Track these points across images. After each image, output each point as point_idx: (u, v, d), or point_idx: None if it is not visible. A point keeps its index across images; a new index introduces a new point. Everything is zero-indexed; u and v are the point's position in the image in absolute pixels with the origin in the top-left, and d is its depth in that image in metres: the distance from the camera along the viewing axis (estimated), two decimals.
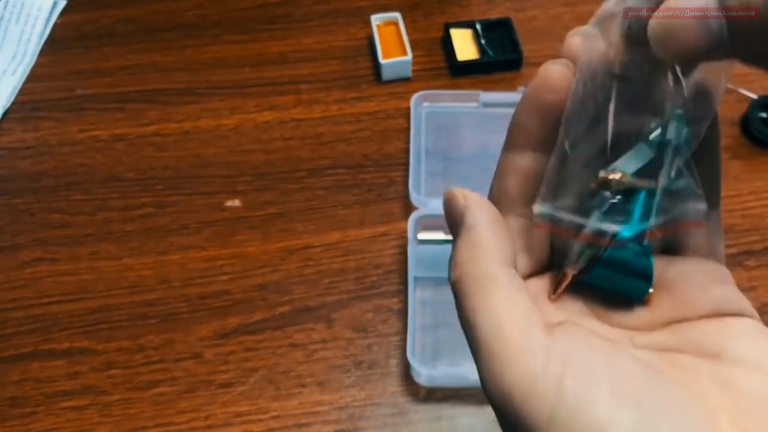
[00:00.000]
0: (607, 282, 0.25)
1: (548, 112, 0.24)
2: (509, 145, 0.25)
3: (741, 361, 0.22)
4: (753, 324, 0.23)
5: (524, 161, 0.25)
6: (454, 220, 0.25)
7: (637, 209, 0.24)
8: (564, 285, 0.25)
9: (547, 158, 0.25)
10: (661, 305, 0.24)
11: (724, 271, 0.25)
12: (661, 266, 0.25)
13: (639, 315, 0.25)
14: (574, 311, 0.25)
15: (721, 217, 0.26)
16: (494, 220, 0.24)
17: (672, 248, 0.26)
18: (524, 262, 0.26)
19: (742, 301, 0.24)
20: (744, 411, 0.20)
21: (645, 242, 0.24)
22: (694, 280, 0.24)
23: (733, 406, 0.21)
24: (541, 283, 0.26)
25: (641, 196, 0.24)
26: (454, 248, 0.24)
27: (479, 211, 0.24)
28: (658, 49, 0.21)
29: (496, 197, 0.26)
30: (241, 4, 0.70)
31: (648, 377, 0.20)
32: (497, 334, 0.21)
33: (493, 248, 0.23)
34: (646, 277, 0.24)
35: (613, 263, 0.24)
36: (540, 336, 0.21)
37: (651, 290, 0.24)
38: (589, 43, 0.25)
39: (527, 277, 0.25)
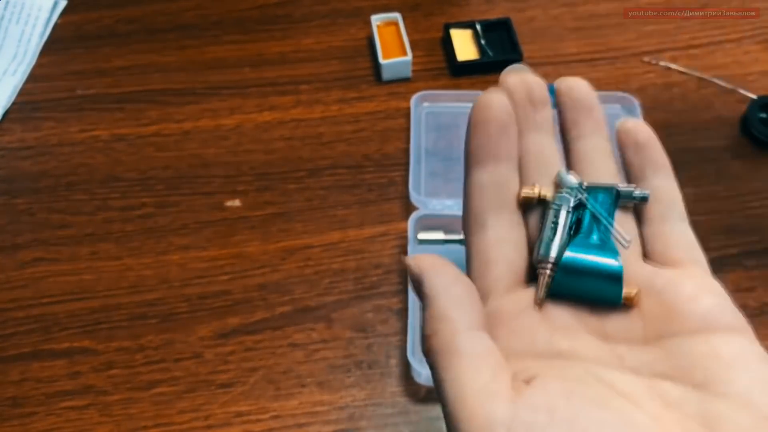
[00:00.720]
0: (575, 289, 0.25)
1: (497, 129, 0.26)
2: (468, 167, 0.27)
3: (730, 396, 0.21)
4: (744, 344, 0.23)
5: (484, 176, 0.26)
6: (416, 290, 0.25)
7: (586, 218, 0.25)
8: (543, 287, 0.25)
9: (507, 168, 0.26)
10: (651, 315, 0.24)
11: (713, 282, 0.25)
12: (648, 275, 0.25)
13: (630, 325, 0.24)
14: (562, 325, 0.24)
15: (692, 229, 0.27)
16: (452, 281, 0.24)
17: (653, 258, 0.26)
18: (507, 278, 0.26)
19: (734, 314, 0.24)
20: None
21: (600, 238, 0.25)
22: (683, 289, 0.24)
23: None
24: (528, 294, 0.25)
25: (586, 212, 0.26)
26: (422, 319, 0.24)
27: (434, 277, 0.24)
28: None
29: (469, 216, 0.27)
30: (241, 5, 0.70)
31: None
32: (462, 408, 0.21)
33: (453, 316, 0.23)
34: (614, 278, 0.24)
35: (575, 267, 0.25)
36: (502, 409, 0.21)
37: (628, 291, 0.24)
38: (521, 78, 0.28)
39: (511, 289, 0.25)
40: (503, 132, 0.26)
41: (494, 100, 0.27)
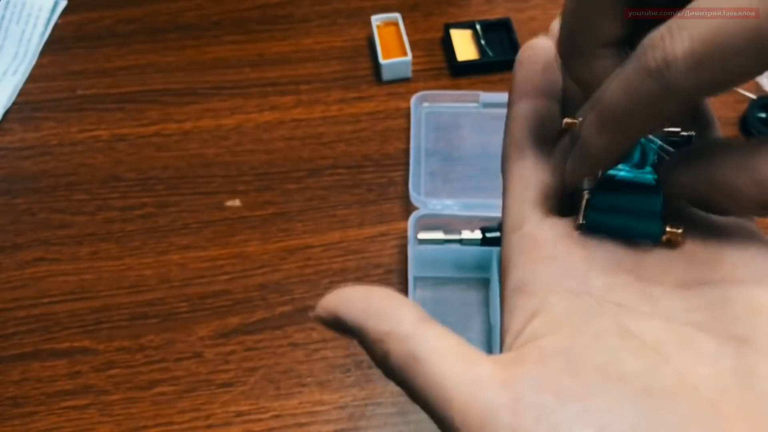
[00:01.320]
0: (610, 224, 0.23)
1: (542, 66, 0.26)
2: (513, 100, 0.26)
3: None
4: None
5: (528, 107, 0.26)
6: (341, 331, 0.23)
7: (636, 153, 0.24)
8: (584, 208, 0.23)
9: (550, 103, 0.26)
10: (694, 258, 0.22)
11: (759, 233, 0.23)
12: (694, 216, 0.23)
13: (670, 267, 0.22)
14: (599, 257, 0.23)
15: None
16: (364, 296, 0.22)
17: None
18: (545, 204, 0.24)
19: None
20: (763, 418, 0.19)
21: (648, 175, 0.23)
22: (732, 236, 0.22)
23: (751, 413, 0.19)
24: (566, 223, 0.24)
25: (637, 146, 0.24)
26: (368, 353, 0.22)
27: (347, 304, 0.22)
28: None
29: (509, 145, 0.26)
30: (241, 5, 0.70)
31: (637, 407, 0.19)
32: (451, 408, 0.20)
33: (390, 327, 0.21)
34: (652, 214, 0.23)
35: (610, 201, 0.23)
36: (498, 395, 0.19)
37: (670, 229, 0.22)
38: None
39: (549, 216, 0.24)
40: (548, 69, 0.26)
41: (541, 42, 0.26)
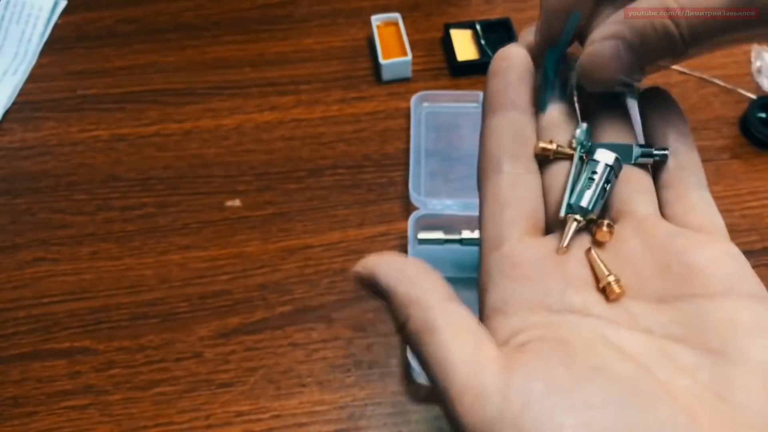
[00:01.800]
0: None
1: (515, 76, 0.26)
2: (486, 112, 0.27)
3: (746, 364, 0.20)
4: (764, 312, 0.22)
5: (501, 121, 0.26)
6: (373, 291, 0.24)
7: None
8: (569, 235, 0.24)
9: (525, 116, 0.26)
10: (669, 274, 0.23)
11: (734, 247, 0.24)
12: (668, 232, 0.24)
13: (647, 283, 0.23)
14: (576, 277, 0.23)
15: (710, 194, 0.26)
16: (403, 265, 0.24)
17: (672, 222, 0.25)
18: (522, 223, 0.25)
19: (755, 281, 0.23)
20: (737, 427, 0.19)
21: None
22: (704, 252, 0.23)
23: (727, 422, 0.19)
24: (544, 243, 0.24)
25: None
26: (391, 318, 0.23)
27: (385, 267, 0.24)
28: (584, 81, 0.25)
29: (484, 160, 0.26)
30: (241, 5, 0.71)
31: (621, 406, 0.19)
32: (451, 383, 0.21)
33: (419, 294, 0.23)
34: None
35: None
36: (493, 378, 0.20)
37: (600, 223, 0.24)
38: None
39: (527, 236, 0.25)
40: (521, 80, 0.26)
41: (514, 51, 0.26)
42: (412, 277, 0.23)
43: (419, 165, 0.59)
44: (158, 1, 0.71)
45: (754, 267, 0.24)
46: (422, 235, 0.53)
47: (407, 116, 0.62)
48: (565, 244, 0.24)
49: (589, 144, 0.26)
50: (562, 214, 0.25)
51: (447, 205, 0.55)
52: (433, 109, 0.62)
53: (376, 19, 0.66)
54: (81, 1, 0.71)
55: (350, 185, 0.59)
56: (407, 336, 0.22)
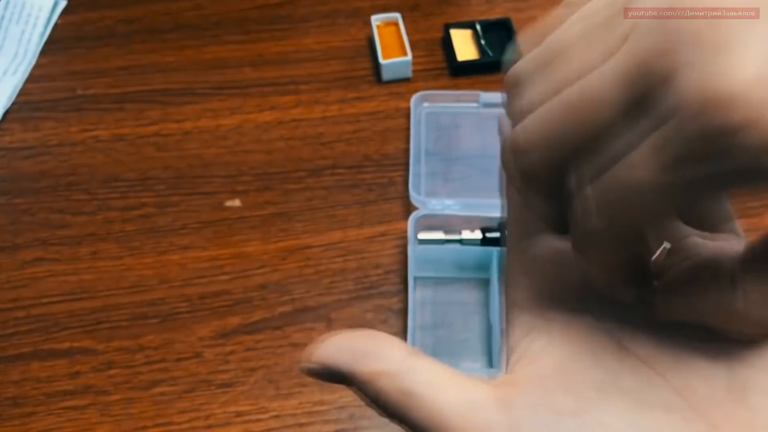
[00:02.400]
0: None
1: None
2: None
3: (764, 365, 0.20)
4: None
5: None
6: (334, 380, 0.22)
7: None
8: None
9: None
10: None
11: (740, 235, 0.23)
12: (686, 237, 0.23)
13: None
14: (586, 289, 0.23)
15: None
16: (349, 340, 0.22)
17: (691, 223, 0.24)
18: (544, 223, 0.23)
19: None
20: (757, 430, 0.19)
21: None
22: (724, 251, 0.22)
23: (746, 426, 0.19)
24: (566, 241, 0.23)
25: None
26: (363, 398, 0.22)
27: (334, 353, 0.22)
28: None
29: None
30: (241, 5, 0.70)
31: (635, 422, 0.19)
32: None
33: (380, 366, 0.21)
34: None
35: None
36: (496, 417, 0.19)
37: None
38: None
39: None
40: None
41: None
42: (366, 350, 0.22)
43: (419, 165, 0.59)
44: (158, 1, 0.71)
45: None
46: (422, 235, 0.53)
47: (407, 116, 0.62)
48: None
49: None
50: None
51: (447, 205, 0.55)
52: (433, 109, 0.62)
53: (376, 19, 0.66)
54: (81, 1, 0.71)
55: (350, 185, 0.59)
56: (385, 410, 0.21)
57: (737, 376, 0.20)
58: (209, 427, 0.48)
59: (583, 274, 0.23)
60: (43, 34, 0.68)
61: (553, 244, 0.24)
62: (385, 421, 0.21)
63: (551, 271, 0.23)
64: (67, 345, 0.52)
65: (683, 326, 0.21)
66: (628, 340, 0.21)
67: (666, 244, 0.23)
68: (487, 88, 0.63)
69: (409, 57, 0.63)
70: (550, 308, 0.22)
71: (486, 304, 0.53)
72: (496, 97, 0.61)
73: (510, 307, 0.24)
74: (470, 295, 0.54)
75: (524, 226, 0.24)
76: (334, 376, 0.22)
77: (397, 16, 0.66)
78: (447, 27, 0.67)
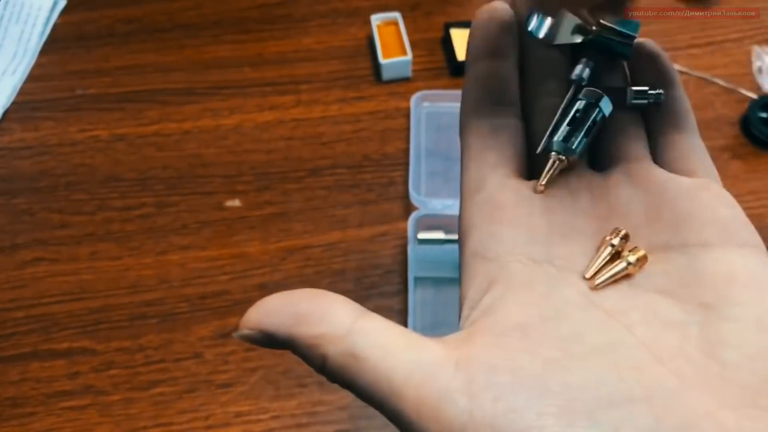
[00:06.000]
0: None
1: (498, 27, 0.25)
2: (469, 61, 0.26)
3: (740, 320, 0.19)
4: (760, 264, 0.20)
5: (483, 69, 0.25)
6: (271, 345, 0.21)
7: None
8: (548, 173, 0.23)
9: (507, 63, 0.25)
10: (660, 221, 0.22)
11: (727, 194, 0.23)
12: (660, 179, 0.23)
13: (635, 231, 0.22)
14: (561, 221, 0.22)
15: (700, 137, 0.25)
16: (286, 303, 0.21)
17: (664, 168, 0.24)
18: (505, 166, 0.23)
19: (750, 229, 0.21)
20: (729, 389, 0.18)
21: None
22: (698, 197, 0.22)
23: (717, 383, 0.18)
24: (527, 186, 0.23)
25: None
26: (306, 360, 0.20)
27: (271, 316, 0.21)
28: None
29: (466, 107, 0.25)
30: (241, 4, 0.70)
31: (602, 380, 0.18)
32: (403, 399, 0.18)
33: (323, 329, 0.19)
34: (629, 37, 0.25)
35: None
36: (451, 378, 0.18)
37: (633, 254, 0.22)
38: None
39: (509, 178, 0.23)
40: (505, 30, 0.25)
41: (498, 4, 0.26)
42: (308, 312, 0.20)
43: (419, 165, 0.59)
44: (157, 0, 0.71)
45: None
46: (422, 235, 0.53)
47: (407, 116, 0.62)
48: (543, 181, 0.23)
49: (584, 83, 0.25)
50: (539, 150, 0.24)
51: (447, 205, 0.55)
52: (433, 109, 0.62)
53: (376, 19, 0.65)
54: (80, 1, 0.71)
55: (350, 185, 0.59)
56: (332, 375, 0.20)
57: (711, 329, 0.19)
58: (209, 427, 0.48)
59: (548, 221, 0.22)
60: (42, 33, 0.68)
61: (514, 189, 0.23)
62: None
63: (512, 218, 0.22)
64: (66, 345, 0.52)
65: (653, 275, 0.20)
66: (594, 292, 0.20)
67: None
68: None
69: (409, 57, 0.63)
70: (510, 257, 0.21)
71: None
72: None
73: (466, 255, 0.22)
74: None
75: (481, 171, 0.23)
76: (272, 341, 0.20)
77: (397, 15, 0.66)
78: (447, 26, 0.66)
